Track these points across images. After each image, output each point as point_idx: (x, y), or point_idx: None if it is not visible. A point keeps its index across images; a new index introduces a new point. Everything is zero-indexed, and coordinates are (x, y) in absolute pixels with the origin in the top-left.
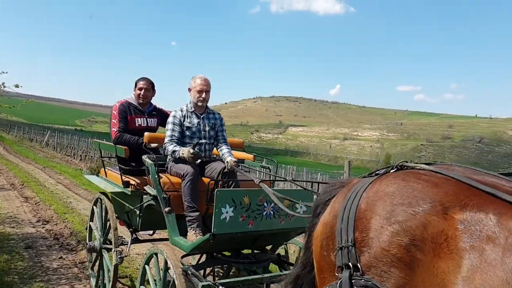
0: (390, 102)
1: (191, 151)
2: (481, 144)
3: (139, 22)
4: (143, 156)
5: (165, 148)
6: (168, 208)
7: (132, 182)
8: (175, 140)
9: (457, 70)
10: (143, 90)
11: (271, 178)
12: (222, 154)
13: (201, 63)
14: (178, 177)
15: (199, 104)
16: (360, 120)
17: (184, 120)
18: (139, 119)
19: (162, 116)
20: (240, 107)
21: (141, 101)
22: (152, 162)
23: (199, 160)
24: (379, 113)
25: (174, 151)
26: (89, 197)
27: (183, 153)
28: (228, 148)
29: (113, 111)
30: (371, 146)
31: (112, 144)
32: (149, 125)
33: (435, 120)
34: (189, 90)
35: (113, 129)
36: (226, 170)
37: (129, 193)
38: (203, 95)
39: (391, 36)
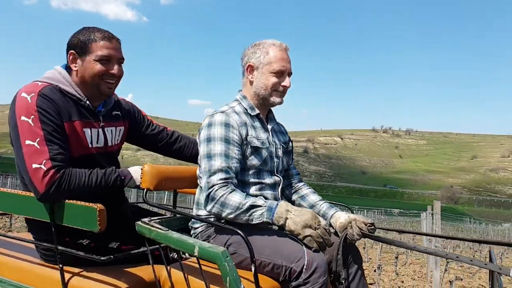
0: (183, 115)
1: (323, 224)
2: None
3: None
4: (151, 225)
5: (211, 200)
6: None
7: None
8: (233, 181)
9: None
10: (114, 62)
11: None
12: (314, 205)
13: None
14: (268, 273)
15: (275, 100)
16: None
17: (247, 134)
18: (89, 130)
19: (133, 118)
20: None
21: (107, 90)
22: (223, 250)
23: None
24: (173, 124)
25: (252, 212)
26: None
27: (299, 227)
28: (315, 193)
29: (23, 118)
30: (164, 156)
31: (37, 199)
32: (110, 143)
33: None
34: (249, 69)
35: (34, 165)
36: (347, 242)
37: None
38: (286, 82)
39: (183, 50)
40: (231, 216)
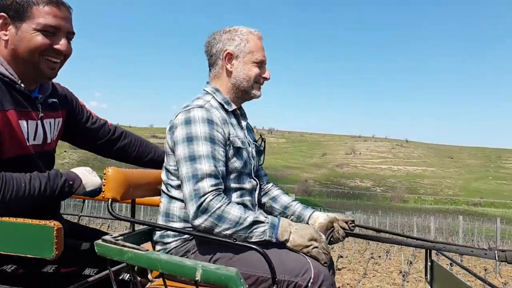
0: None
1: (323, 238)
2: None
3: None
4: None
5: (203, 212)
6: None
7: None
8: (223, 188)
9: (101, 80)
10: (60, 35)
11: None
12: (288, 207)
13: None
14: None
15: (256, 93)
16: None
17: (229, 133)
18: (25, 123)
19: (71, 108)
20: None
21: (48, 71)
22: (236, 271)
23: None
24: None
25: (254, 228)
26: None
27: (306, 239)
28: (286, 194)
29: None
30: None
31: None
32: (48, 139)
33: None
34: (228, 57)
35: None
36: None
37: None
38: (267, 73)
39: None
40: (228, 232)
